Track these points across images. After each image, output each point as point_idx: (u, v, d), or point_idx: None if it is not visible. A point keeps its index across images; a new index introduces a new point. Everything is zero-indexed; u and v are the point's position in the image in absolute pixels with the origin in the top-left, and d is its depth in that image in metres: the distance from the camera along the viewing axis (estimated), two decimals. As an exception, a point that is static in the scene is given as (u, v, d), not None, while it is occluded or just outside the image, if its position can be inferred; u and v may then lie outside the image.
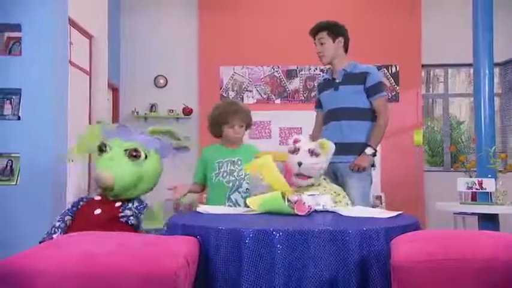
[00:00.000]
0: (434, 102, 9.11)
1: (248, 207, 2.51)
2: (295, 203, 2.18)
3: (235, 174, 2.72)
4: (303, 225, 1.82)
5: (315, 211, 2.27)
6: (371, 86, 3.03)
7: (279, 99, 6.43)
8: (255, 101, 6.42)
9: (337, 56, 3.13)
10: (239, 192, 2.72)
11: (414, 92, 6.29)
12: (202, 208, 2.38)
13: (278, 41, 6.34)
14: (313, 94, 6.38)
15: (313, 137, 3.24)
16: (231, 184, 2.70)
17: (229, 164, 2.73)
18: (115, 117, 6.39)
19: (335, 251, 1.72)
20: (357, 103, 3.04)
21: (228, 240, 1.78)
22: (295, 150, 2.58)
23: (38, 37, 3.33)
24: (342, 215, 2.17)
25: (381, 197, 5.79)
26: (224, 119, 2.75)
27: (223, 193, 2.69)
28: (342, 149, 3.00)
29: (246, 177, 2.74)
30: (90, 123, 5.12)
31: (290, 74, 6.45)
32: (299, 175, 2.53)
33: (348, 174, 3.00)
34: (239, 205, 2.68)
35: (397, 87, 6.31)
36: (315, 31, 3.15)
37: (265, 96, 6.43)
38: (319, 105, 3.31)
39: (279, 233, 1.73)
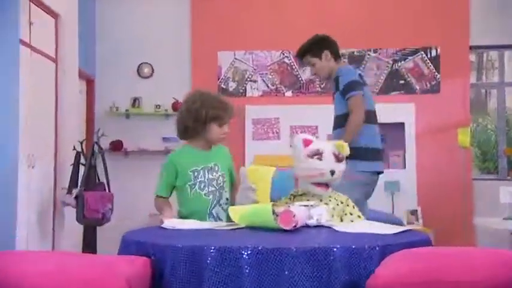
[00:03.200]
0: (487, 94, 9.00)
1: (231, 221, 2.51)
2: (279, 214, 2.17)
3: (214, 183, 2.72)
4: (279, 242, 1.83)
5: (307, 225, 2.27)
6: (341, 90, 3.46)
7: (290, 91, 6.43)
8: (261, 93, 6.44)
9: (331, 68, 3.61)
10: (220, 205, 2.72)
11: (460, 81, 6.23)
12: (168, 223, 2.39)
13: (288, 20, 6.33)
14: (330, 85, 6.36)
15: None
16: (211, 196, 2.70)
17: (206, 172, 2.72)
18: (90, 115, 6.46)
19: (316, 274, 1.73)
20: (337, 110, 3.54)
21: (186, 260, 1.80)
22: (316, 154, 2.59)
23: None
24: (335, 231, 2.16)
25: (416, 211, 5.74)
26: (215, 114, 2.71)
27: (204, 207, 2.68)
28: None
29: (225, 186, 2.74)
30: (56, 120, 5.17)
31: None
32: (320, 184, 2.53)
33: None
34: (220, 219, 2.68)
35: (438, 75, 6.25)
36: (299, 57, 3.75)
37: (273, 88, 6.44)
38: None
39: (247, 252, 1.74)
